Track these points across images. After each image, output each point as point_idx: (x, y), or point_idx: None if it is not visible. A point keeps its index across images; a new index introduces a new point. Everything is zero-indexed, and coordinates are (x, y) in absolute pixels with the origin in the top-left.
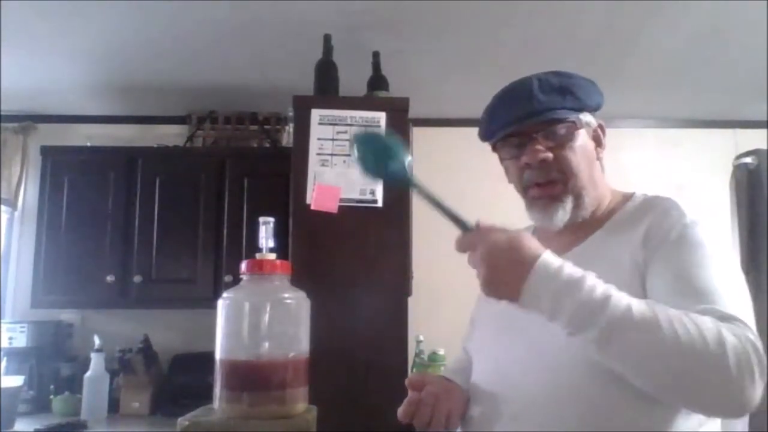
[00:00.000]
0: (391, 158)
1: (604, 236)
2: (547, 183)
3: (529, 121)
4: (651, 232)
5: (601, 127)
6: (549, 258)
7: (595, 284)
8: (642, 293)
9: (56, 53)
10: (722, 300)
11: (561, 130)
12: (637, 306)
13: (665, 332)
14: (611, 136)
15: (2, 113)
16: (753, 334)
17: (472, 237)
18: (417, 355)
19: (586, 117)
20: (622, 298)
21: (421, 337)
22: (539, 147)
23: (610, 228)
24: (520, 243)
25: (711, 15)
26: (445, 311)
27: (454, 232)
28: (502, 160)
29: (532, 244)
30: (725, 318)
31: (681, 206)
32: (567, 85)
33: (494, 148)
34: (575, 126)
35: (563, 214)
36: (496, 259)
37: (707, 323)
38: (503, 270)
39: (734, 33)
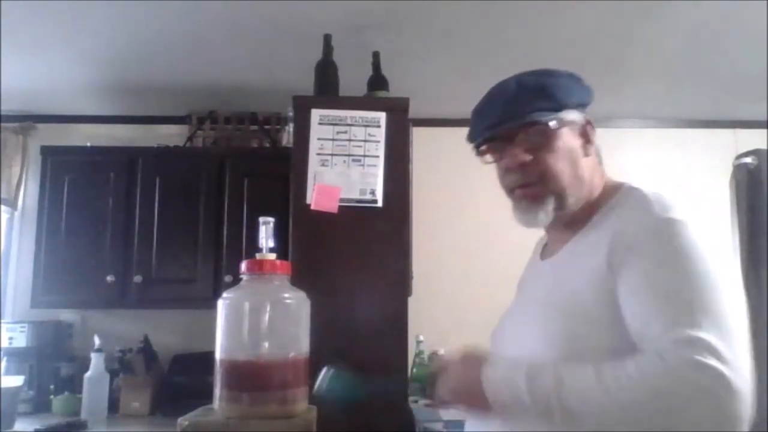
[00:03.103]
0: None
1: (583, 235)
2: (528, 185)
3: (504, 126)
4: (619, 231)
5: (589, 122)
6: (487, 371)
7: (530, 365)
8: (609, 299)
9: (56, 53)
10: (684, 315)
11: (538, 132)
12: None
13: (602, 387)
14: (611, 136)
15: (2, 113)
16: (703, 350)
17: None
18: (417, 355)
19: (569, 115)
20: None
21: (421, 337)
22: (517, 151)
23: (591, 225)
24: (471, 373)
25: (710, 15)
26: (445, 311)
27: (454, 232)
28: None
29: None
30: (676, 343)
31: (652, 200)
32: (545, 86)
33: (478, 152)
34: (553, 127)
35: (544, 215)
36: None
37: (629, 369)
38: (467, 395)
39: (734, 33)
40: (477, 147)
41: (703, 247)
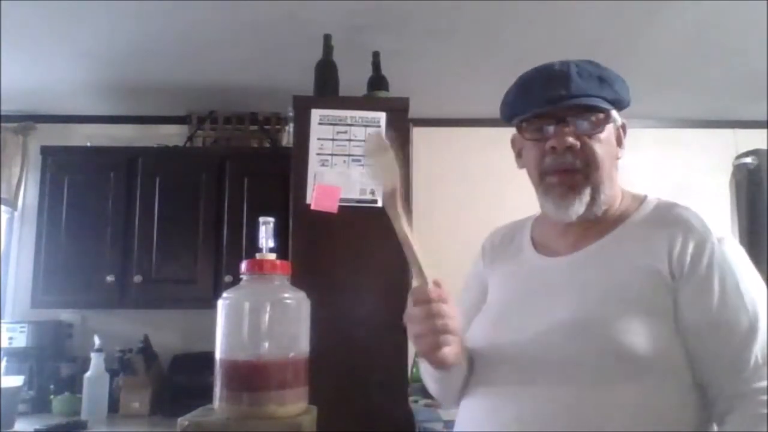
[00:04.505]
0: None
1: (619, 238)
2: (567, 171)
3: (566, 104)
4: (677, 247)
5: (623, 127)
6: None
7: None
8: (659, 302)
9: (56, 53)
10: (759, 342)
11: (594, 118)
12: None
13: None
14: None
15: (2, 113)
16: None
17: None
18: (417, 354)
19: (615, 113)
20: None
21: None
22: (568, 132)
23: (626, 230)
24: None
25: (711, 15)
26: None
27: (454, 232)
28: (523, 140)
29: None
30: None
31: (704, 220)
32: (604, 76)
33: (518, 128)
34: (607, 118)
35: (579, 206)
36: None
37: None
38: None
39: (734, 33)
40: (520, 122)
41: (747, 259)
